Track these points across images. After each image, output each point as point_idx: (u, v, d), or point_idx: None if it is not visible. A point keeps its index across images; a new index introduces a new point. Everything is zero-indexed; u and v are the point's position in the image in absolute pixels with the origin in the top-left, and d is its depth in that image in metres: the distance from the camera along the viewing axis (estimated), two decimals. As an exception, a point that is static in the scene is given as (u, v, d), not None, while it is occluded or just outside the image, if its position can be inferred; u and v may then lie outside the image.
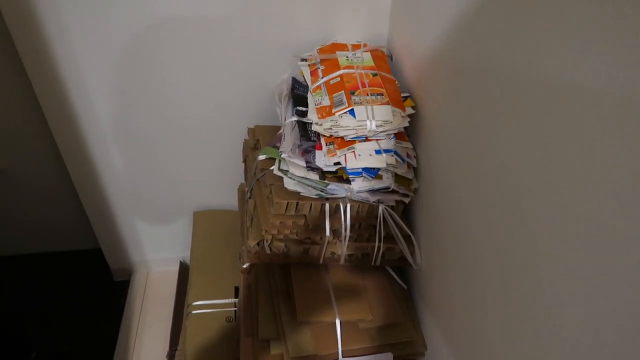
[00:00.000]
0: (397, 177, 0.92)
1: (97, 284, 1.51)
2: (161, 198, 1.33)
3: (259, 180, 1.00)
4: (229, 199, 1.33)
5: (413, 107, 0.92)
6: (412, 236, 0.97)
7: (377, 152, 0.88)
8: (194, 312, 1.13)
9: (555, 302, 0.54)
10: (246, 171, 1.14)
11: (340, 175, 0.90)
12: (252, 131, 1.12)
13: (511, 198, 0.62)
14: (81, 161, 1.19)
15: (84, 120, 1.12)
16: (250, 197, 1.03)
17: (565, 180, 0.51)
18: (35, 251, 1.58)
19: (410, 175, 0.93)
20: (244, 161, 1.16)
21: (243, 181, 1.23)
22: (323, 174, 0.90)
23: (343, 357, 0.91)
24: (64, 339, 1.36)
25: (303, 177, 0.90)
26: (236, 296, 1.16)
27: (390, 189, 0.92)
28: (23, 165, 1.36)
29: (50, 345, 1.29)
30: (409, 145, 0.93)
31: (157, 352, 1.29)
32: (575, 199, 0.50)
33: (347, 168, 0.87)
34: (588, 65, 0.46)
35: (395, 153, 0.89)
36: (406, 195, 0.94)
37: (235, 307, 1.14)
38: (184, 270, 1.48)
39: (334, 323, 0.92)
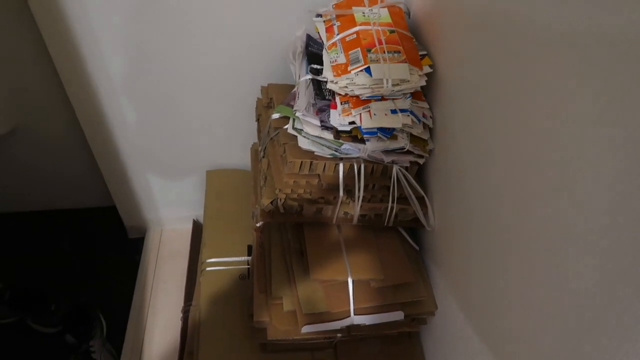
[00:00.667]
0: (413, 138, 0.91)
1: (112, 241, 1.54)
2: (174, 157, 1.34)
3: (272, 139, 0.99)
4: (241, 159, 1.33)
5: (430, 66, 0.90)
6: (425, 198, 0.96)
7: (393, 111, 0.87)
8: (207, 269, 1.15)
9: (574, 262, 0.54)
10: (259, 130, 1.13)
11: (355, 135, 0.89)
12: (265, 90, 1.11)
13: (530, 161, 0.61)
14: (94, 118, 1.19)
15: (96, 76, 1.11)
16: (263, 156, 1.02)
17: (588, 144, 0.50)
18: (51, 208, 1.60)
19: (425, 136, 0.92)
20: (257, 120, 1.15)
21: (256, 140, 1.22)
22: (337, 134, 0.89)
23: (355, 314, 0.92)
24: (81, 293, 1.40)
25: (317, 137, 0.90)
26: (249, 254, 1.18)
27: (405, 150, 0.91)
28: (36, 123, 1.36)
29: (68, 298, 1.33)
30: (426, 105, 0.91)
31: (172, 307, 1.32)
32: (595, 157, 0.49)
33: (361, 128, 0.86)
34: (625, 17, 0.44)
35: (411, 113, 0.88)
36: (421, 157, 0.93)
37: (248, 265, 1.16)
38: (197, 229, 1.50)
39: (346, 282, 0.93)
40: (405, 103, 0.88)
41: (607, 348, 0.49)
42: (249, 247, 1.19)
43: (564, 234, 0.55)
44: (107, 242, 1.54)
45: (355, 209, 0.94)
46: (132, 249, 1.51)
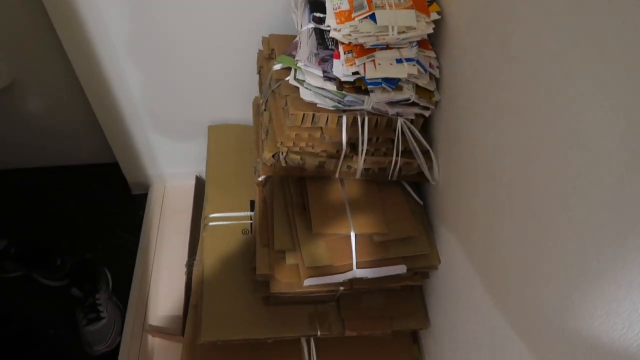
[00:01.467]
0: (418, 89, 0.88)
1: (115, 197, 1.54)
2: (175, 112, 1.31)
3: (274, 92, 0.96)
4: (243, 113, 1.31)
5: (438, 13, 0.86)
6: (430, 151, 0.94)
7: (398, 61, 0.83)
8: (210, 224, 1.15)
9: (580, 215, 0.53)
10: (261, 83, 1.10)
11: (359, 86, 0.86)
12: (266, 40, 1.07)
13: (538, 113, 0.59)
14: (93, 74, 1.16)
15: (94, 31, 1.07)
16: (265, 109, 1.00)
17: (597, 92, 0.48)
18: (53, 164, 1.60)
19: (432, 87, 0.89)
20: (259, 73, 1.12)
21: (258, 94, 1.19)
22: (341, 84, 0.86)
23: (357, 268, 0.92)
24: (87, 248, 1.41)
25: (320, 88, 0.87)
26: (252, 209, 1.17)
27: (411, 101, 0.88)
28: (34, 78, 1.34)
29: (74, 253, 1.34)
30: (432, 54, 0.88)
31: (176, 261, 1.33)
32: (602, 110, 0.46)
33: (365, 78, 0.83)
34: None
35: (418, 62, 0.84)
36: (427, 109, 0.91)
37: (251, 220, 1.15)
38: (200, 185, 1.49)
39: (349, 235, 0.92)
40: (411, 52, 0.84)
41: (602, 298, 0.48)
42: (252, 202, 1.18)
43: (568, 187, 0.54)
44: (111, 199, 1.54)
45: (359, 163, 0.93)
46: (135, 205, 1.51)
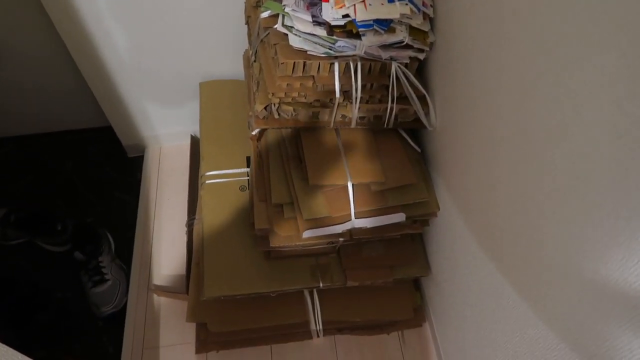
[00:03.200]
0: (412, 30, 0.85)
1: (112, 160, 1.53)
2: (164, 70, 1.28)
3: (263, 41, 0.93)
4: (235, 68, 1.27)
5: (431, -53, 0.81)
6: (427, 96, 0.92)
7: (390, 0, 0.80)
8: (207, 182, 1.14)
9: (578, 147, 0.51)
10: (249, 34, 1.06)
11: (350, 30, 0.83)
12: (253, -12, 1.02)
13: (539, 46, 0.56)
14: (78, 34, 1.12)
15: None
16: (255, 61, 0.97)
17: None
18: (48, 130, 1.57)
19: (426, 28, 0.85)
20: (247, 23, 1.08)
21: (248, 47, 1.15)
22: (331, 29, 0.83)
23: (355, 218, 0.92)
24: (87, 212, 1.41)
25: (309, 34, 0.83)
26: (248, 166, 1.16)
27: (404, 44, 0.85)
28: (19, 44, 1.29)
29: (74, 218, 1.34)
30: (426, -9, 0.84)
31: (176, 222, 1.33)
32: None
33: (356, 20, 0.80)
34: None
35: (410, 1, 0.81)
36: (421, 51, 0.88)
37: (247, 176, 1.14)
38: (195, 144, 1.48)
39: (346, 186, 0.91)
40: (403, -10, 0.81)
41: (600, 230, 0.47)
42: (248, 159, 1.17)
43: (567, 119, 0.52)
44: (108, 162, 1.52)
45: (353, 111, 0.90)
46: (132, 167, 1.50)
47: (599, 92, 0.46)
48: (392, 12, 0.80)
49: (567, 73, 0.51)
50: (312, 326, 1.12)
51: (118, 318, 1.21)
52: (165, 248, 1.31)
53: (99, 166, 1.52)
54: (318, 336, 1.15)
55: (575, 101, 0.50)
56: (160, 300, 1.24)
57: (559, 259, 0.57)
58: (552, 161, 0.56)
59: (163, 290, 1.23)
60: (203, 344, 1.14)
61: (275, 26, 0.87)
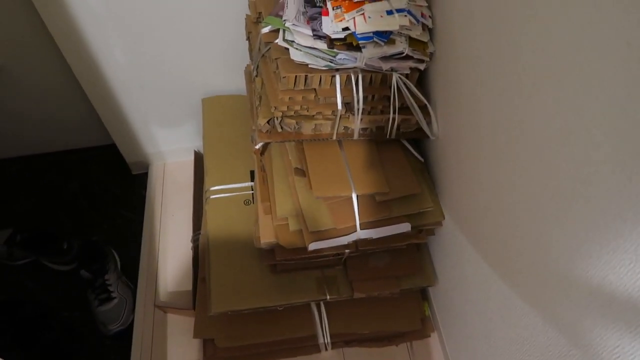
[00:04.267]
0: (412, 41, 0.85)
1: (116, 178, 1.53)
2: (167, 88, 1.29)
3: (264, 56, 0.94)
4: (236, 84, 1.28)
5: (427, -41, 0.83)
6: (428, 106, 0.92)
7: (389, 12, 0.81)
8: (212, 197, 1.14)
9: (581, 151, 0.51)
10: (251, 49, 1.08)
11: (350, 42, 0.83)
12: (253, 4, 1.04)
13: (542, 52, 0.56)
14: (81, 54, 1.13)
15: (79, 13, 1.04)
16: (257, 75, 0.98)
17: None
18: (53, 150, 1.58)
19: (425, 38, 0.86)
20: (248, 38, 1.09)
21: (249, 62, 1.17)
22: (331, 42, 0.84)
23: (361, 229, 0.92)
24: (92, 230, 1.41)
25: (310, 47, 0.84)
26: (252, 180, 1.16)
27: (404, 55, 0.85)
28: (22, 64, 1.31)
29: (80, 236, 1.34)
30: (424, 2, 0.85)
31: (182, 237, 1.33)
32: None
33: (356, 33, 0.81)
34: None
35: (409, 13, 0.82)
36: (421, 61, 0.88)
37: (252, 190, 1.15)
38: (199, 160, 1.48)
39: (351, 197, 0.91)
40: (402, 2, 0.82)
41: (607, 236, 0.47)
42: (252, 173, 1.17)
43: (570, 122, 0.52)
44: (112, 180, 1.53)
45: (356, 123, 0.91)
46: (137, 184, 1.51)
47: (600, 94, 0.47)
48: (392, 24, 0.81)
49: (569, 77, 0.51)
50: (320, 339, 1.12)
51: (125, 335, 1.21)
52: (171, 264, 1.31)
53: (104, 184, 1.52)
54: (326, 349, 1.14)
55: (577, 105, 0.51)
56: (167, 316, 1.24)
57: (565, 265, 0.57)
58: (556, 166, 0.56)
59: (169, 306, 1.23)
60: (211, 359, 1.13)
61: (276, 41, 0.88)
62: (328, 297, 1.04)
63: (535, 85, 0.58)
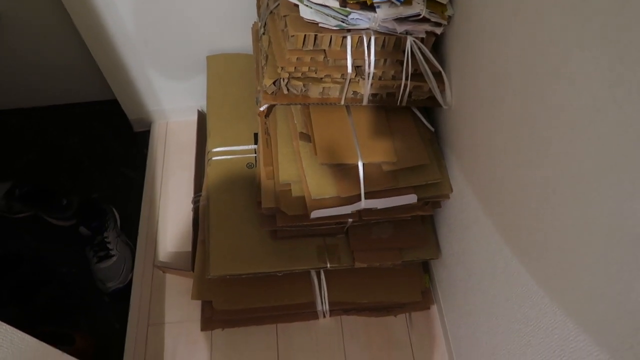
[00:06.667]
0: (429, 2, 0.80)
1: (118, 135, 1.50)
2: (171, 43, 1.24)
3: (272, 13, 0.89)
4: (243, 41, 1.23)
5: None
6: (443, 73, 0.88)
7: (407, -31, 0.75)
8: (214, 158, 1.11)
9: (602, 128, 0.48)
10: (259, 5, 1.02)
11: (364, 1, 0.79)
12: (262, -44, 0.98)
13: (564, 26, 0.52)
14: (83, 7, 1.08)
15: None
16: (264, 33, 0.93)
17: None
18: (53, 103, 1.55)
19: (444, 0, 0.81)
20: (256, -7, 1.04)
21: (257, 19, 1.11)
22: (344, 0, 0.79)
23: (365, 199, 0.89)
24: (92, 187, 1.39)
25: (321, 5, 0.79)
26: (256, 143, 1.13)
27: (421, 17, 0.80)
28: (22, 13, 1.26)
29: (80, 193, 1.33)
30: (445, -39, 0.80)
31: (182, 197, 1.31)
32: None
33: (371, -9, 0.76)
34: None
35: (429, -29, 0.76)
36: (439, 25, 0.83)
37: (255, 153, 1.11)
38: (202, 119, 1.45)
39: (357, 165, 0.88)
40: (422, -41, 0.76)
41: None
42: (255, 135, 1.14)
43: (599, 112, 0.48)
44: (113, 137, 1.50)
45: (366, 88, 0.87)
46: (138, 142, 1.48)
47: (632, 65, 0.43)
48: (410, -18, 0.75)
49: (602, 48, 0.47)
50: (319, 307, 1.11)
51: (124, 294, 1.20)
52: (171, 225, 1.29)
53: (105, 141, 1.50)
54: (324, 317, 1.14)
55: (610, 77, 0.47)
56: (165, 277, 1.23)
57: (582, 246, 0.54)
58: (584, 142, 0.52)
59: (168, 267, 1.22)
60: (208, 321, 1.13)
61: (286, -4, 0.83)
62: (329, 265, 1.03)
63: (565, 52, 0.54)
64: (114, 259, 1.23)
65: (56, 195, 1.30)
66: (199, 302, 1.16)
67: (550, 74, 0.56)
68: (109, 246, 1.24)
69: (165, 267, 1.22)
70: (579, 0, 0.50)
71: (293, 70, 0.85)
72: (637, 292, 0.46)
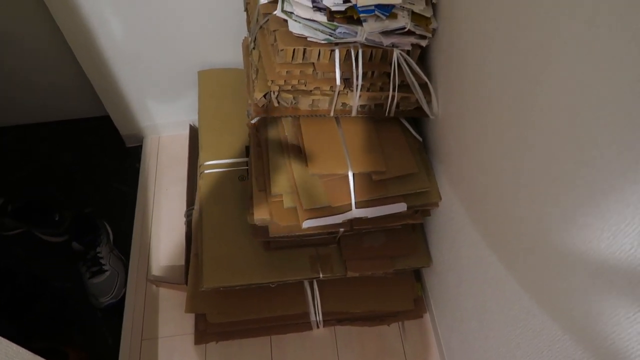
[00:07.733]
0: (414, 16, 0.83)
1: (110, 150, 1.51)
2: (163, 59, 1.26)
3: (262, 28, 0.91)
4: (233, 56, 1.25)
5: None
6: (429, 84, 0.90)
7: (392, -15, 0.78)
8: (206, 171, 1.12)
9: (585, 133, 0.50)
10: (249, 21, 1.05)
11: (351, 16, 0.81)
12: (252, -27, 1.00)
13: (549, 31, 0.54)
14: (76, 26, 1.10)
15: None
16: (254, 48, 0.95)
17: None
18: (46, 120, 1.55)
19: (428, 13, 0.83)
20: (246, 10, 1.06)
21: (247, 34, 1.14)
22: (331, 15, 0.81)
23: (356, 208, 0.90)
24: (85, 202, 1.39)
25: (309, 20, 0.82)
26: (247, 155, 1.14)
27: (406, 30, 0.83)
28: (16, 31, 1.27)
29: (72, 208, 1.33)
30: (428, -24, 0.82)
31: (175, 211, 1.32)
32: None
33: (357, 6, 0.78)
34: None
35: (412, -14, 0.79)
36: (424, 37, 0.86)
37: (247, 166, 1.13)
38: (194, 134, 1.46)
39: (347, 175, 0.90)
40: (405, -26, 0.79)
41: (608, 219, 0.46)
42: (247, 148, 1.15)
43: (575, 119, 0.50)
44: (105, 152, 1.51)
45: (354, 99, 0.89)
46: (131, 157, 1.49)
47: (608, 75, 0.45)
48: (394, -4, 0.78)
49: (582, 61, 0.49)
50: (312, 317, 1.12)
51: (117, 309, 1.20)
52: (164, 239, 1.30)
53: (97, 156, 1.50)
54: (318, 327, 1.14)
55: (586, 84, 0.49)
56: (159, 291, 1.23)
57: (564, 249, 0.56)
58: (562, 149, 0.54)
59: (162, 281, 1.22)
60: (202, 334, 1.13)
61: (275, 12, 0.85)
62: (321, 275, 1.04)
63: (543, 64, 0.56)
64: (107, 274, 1.23)
65: (48, 210, 1.30)
66: (192, 316, 1.16)
67: (531, 82, 0.59)
68: (102, 261, 1.24)
69: (158, 281, 1.22)
70: (558, 12, 0.52)
71: (283, 83, 0.86)
72: (617, 287, 0.47)
